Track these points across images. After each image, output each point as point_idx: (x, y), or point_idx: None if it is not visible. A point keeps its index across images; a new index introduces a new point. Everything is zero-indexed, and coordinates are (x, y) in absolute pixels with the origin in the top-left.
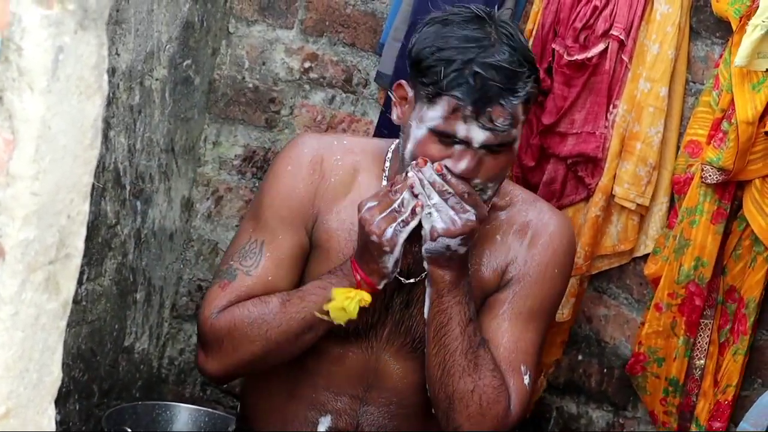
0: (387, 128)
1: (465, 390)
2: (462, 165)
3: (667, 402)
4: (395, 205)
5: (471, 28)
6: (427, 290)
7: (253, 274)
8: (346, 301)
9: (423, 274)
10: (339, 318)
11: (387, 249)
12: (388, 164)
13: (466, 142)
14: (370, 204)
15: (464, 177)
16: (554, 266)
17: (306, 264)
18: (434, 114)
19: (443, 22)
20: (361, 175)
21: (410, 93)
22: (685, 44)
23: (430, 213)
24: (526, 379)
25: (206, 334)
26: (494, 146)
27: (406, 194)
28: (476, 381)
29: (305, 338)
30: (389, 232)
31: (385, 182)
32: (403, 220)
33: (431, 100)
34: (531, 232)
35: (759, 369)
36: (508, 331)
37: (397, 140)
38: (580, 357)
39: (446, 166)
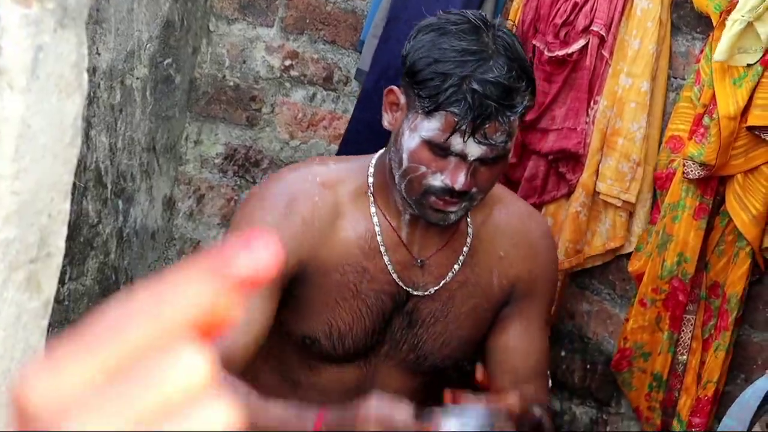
0: (361, 126)
1: None
2: (460, 180)
3: (651, 397)
4: None
5: (468, 39)
6: None
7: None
8: None
9: (432, 289)
10: None
11: None
12: (371, 179)
13: (462, 156)
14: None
15: (461, 191)
16: (553, 272)
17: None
18: (430, 126)
19: (439, 30)
20: (345, 207)
21: (402, 100)
22: (667, 39)
23: None
24: (549, 382)
25: None
26: (489, 159)
27: None
28: None
29: None
30: None
31: (371, 198)
32: None
33: (427, 113)
34: (527, 242)
35: (743, 364)
36: (530, 339)
37: (378, 153)
38: (563, 353)
39: (446, 183)
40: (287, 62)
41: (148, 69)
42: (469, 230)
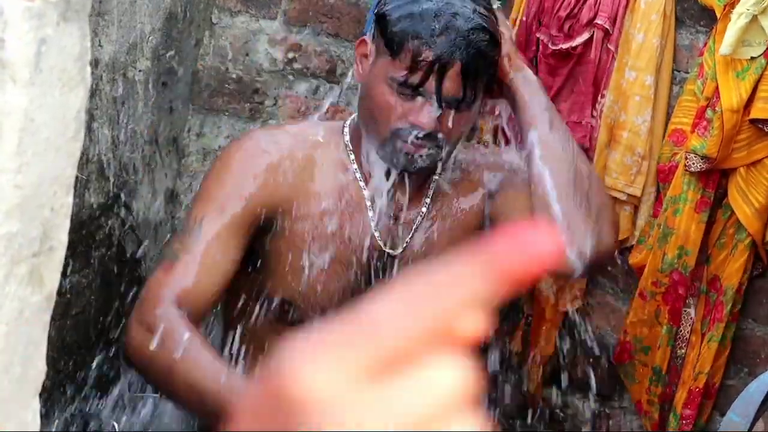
0: None
1: (592, 171)
2: (427, 120)
3: (650, 391)
4: None
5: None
6: (522, 89)
7: (192, 251)
8: None
9: (407, 240)
10: None
11: None
12: (347, 137)
13: (428, 94)
14: None
15: (428, 133)
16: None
17: (265, 242)
18: (396, 65)
19: None
20: (320, 160)
21: (372, 48)
22: (671, 33)
23: None
24: None
25: (126, 343)
26: (454, 101)
27: None
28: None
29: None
30: None
31: (351, 156)
32: None
33: (394, 51)
34: (497, 162)
35: (745, 358)
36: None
37: (353, 115)
38: (565, 347)
39: (411, 122)
40: (290, 55)
41: (151, 61)
42: (433, 178)
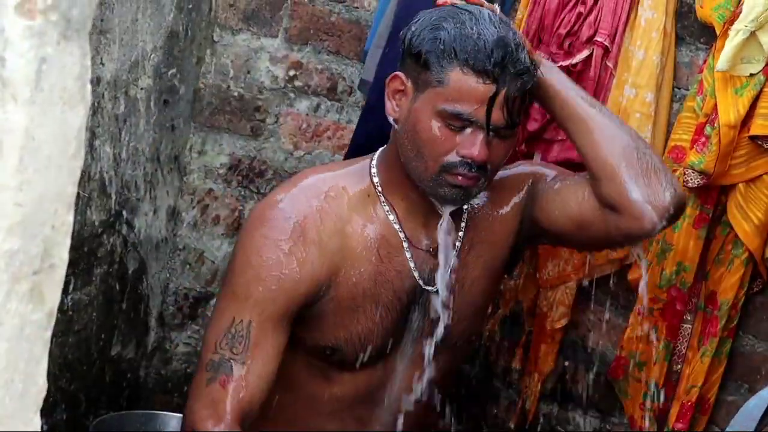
0: (366, 137)
1: (638, 134)
2: (478, 150)
3: (645, 407)
4: None
5: (464, 18)
6: (550, 86)
7: (246, 365)
8: None
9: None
10: None
11: None
12: (376, 179)
13: (479, 124)
14: None
15: (480, 163)
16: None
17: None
18: (444, 93)
19: (437, 13)
20: (349, 211)
21: (408, 83)
22: (672, 50)
23: None
24: None
25: None
26: (503, 129)
27: None
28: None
29: None
30: None
31: (381, 198)
32: None
33: (443, 82)
34: (516, 178)
35: (746, 375)
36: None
37: (378, 151)
38: (566, 363)
39: (462, 155)
40: (291, 72)
41: (153, 79)
42: (465, 208)
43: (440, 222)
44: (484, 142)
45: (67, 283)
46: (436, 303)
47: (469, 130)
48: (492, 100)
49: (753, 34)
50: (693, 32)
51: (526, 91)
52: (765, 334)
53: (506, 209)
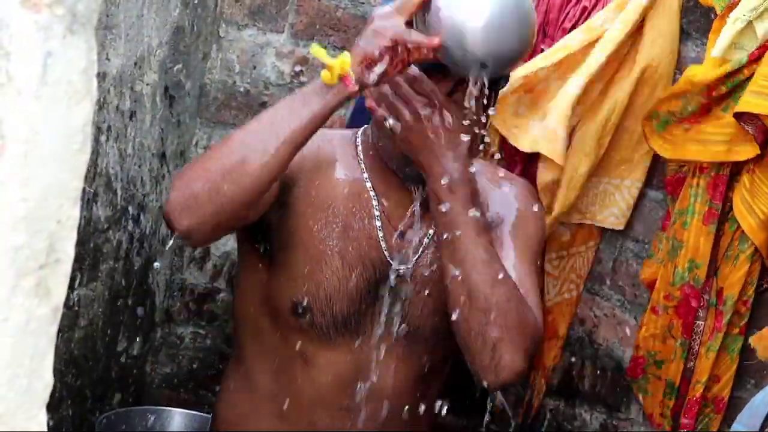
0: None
1: (501, 299)
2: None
3: (663, 404)
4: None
5: None
6: (442, 216)
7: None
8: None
9: (415, 258)
10: (331, 69)
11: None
12: (360, 148)
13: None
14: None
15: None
16: (534, 215)
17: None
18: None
19: None
20: (337, 162)
21: None
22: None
23: None
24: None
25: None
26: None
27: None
28: (508, 291)
29: (275, 143)
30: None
31: (362, 167)
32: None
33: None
34: (502, 192)
35: (752, 371)
36: (516, 274)
37: (362, 128)
38: (573, 359)
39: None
40: (297, 68)
41: (158, 75)
42: None
43: (413, 204)
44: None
45: (73, 279)
46: (402, 284)
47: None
48: (452, 89)
49: (749, 22)
50: (699, 27)
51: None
52: None
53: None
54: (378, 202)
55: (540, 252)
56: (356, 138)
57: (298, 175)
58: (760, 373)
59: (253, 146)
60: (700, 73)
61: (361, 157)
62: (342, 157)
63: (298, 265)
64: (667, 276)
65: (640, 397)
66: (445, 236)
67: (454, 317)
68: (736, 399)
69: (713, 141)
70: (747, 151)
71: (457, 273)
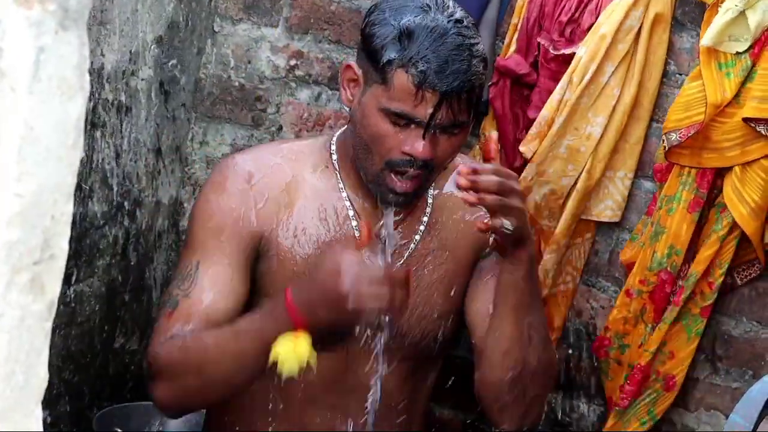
0: None
1: (549, 361)
2: (420, 146)
3: (624, 389)
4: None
5: (423, 13)
6: (507, 274)
7: (192, 296)
8: (292, 354)
9: (399, 263)
10: (289, 369)
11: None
12: (335, 156)
13: (421, 122)
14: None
15: (423, 160)
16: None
17: (258, 274)
18: (389, 94)
19: (395, 4)
20: (308, 177)
21: (359, 74)
22: (667, 35)
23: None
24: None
25: (150, 365)
26: (449, 127)
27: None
28: (551, 352)
29: (242, 374)
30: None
31: (338, 175)
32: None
33: (384, 80)
34: None
35: (750, 361)
36: None
37: (340, 130)
38: (570, 351)
39: (405, 152)
40: (292, 62)
41: (153, 70)
42: (429, 200)
43: (381, 222)
44: (428, 139)
45: (69, 275)
46: None
47: (413, 127)
48: (440, 101)
49: (742, 12)
50: (693, 18)
51: (474, 87)
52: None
53: (465, 234)
54: (354, 211)
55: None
56: (330, 145)
57: (265, 225)
58: (757, 362)
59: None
60: (719, 98)
61: (336, 166)
62: (313, 170)
63: (279, 280)
64: (645, 260)
65: (602, 380)
66: (509, 297)
67: (498, 373)
68: (692, 380)
69: (726, 147)
70: (759, 148)
71: (517, 334)
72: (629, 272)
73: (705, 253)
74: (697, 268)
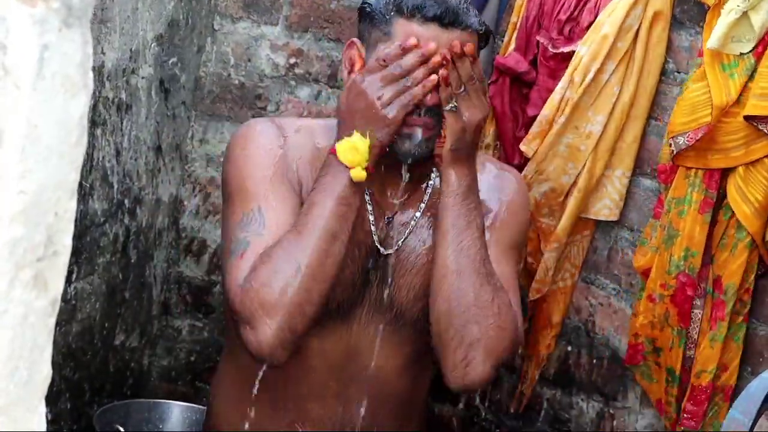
0: None
1: (485, 299)
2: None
3: (667, 392)
4: (400, 77)
5: None
6: (444, 196)
7: (264, 233)
8: (353, 144)
9: (400, 241)
10: (352, 160)
11: (389, 123)
12: None
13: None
14: (369, 77)
15: (429, 106)
16: (519, 204)
17: None
18: (391, 42)
19: None
20: (324, 152)
21: (361, 45)
22: (666, 33)
23: (452, 103)
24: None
25: (242, 305)
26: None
27: (419, 70)
28: (494, 291)
29: (334, 246)
30: (394, 106)
31: None
32: (410, 94)
33: (385, 32)
34: (487, 181)
35: (749, 358)
36: (495, 262)
37: None
38: (569, 348)
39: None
40: (292, 60)
41: (153, 68)
42: (429, 182)
43: (403, 179)
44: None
45: (70, 273)
46: (388, 269)
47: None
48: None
49: (745, 13)
50: (692, 16)
51: (472, 20)
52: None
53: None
54: (368, 188)
55: (523, 250)
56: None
57: (302, 181)
58: (756, 359)
59: (314, 268)
60: (725, 100)
61: None
62: (325, 145)
63: None
64: (663, 264)
65: (645, 384)
66: (444, 219)
67: (436, 306)
68: (740, 387)
69: (731, 147)
70: (763, 147)
71: (450, 260)
72: (645, 278)
73: (736, 263)
74: (732, 279)
